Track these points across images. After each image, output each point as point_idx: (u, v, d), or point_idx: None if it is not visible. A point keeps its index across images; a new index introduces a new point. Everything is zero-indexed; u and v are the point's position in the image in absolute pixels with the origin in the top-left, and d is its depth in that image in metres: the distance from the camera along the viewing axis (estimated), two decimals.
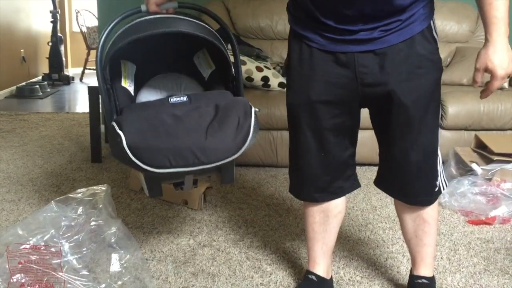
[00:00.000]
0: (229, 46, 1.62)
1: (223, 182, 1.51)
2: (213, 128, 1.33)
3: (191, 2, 1.54)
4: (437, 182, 1.49)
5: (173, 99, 1.44)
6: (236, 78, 1.55)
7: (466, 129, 2.99)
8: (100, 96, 1.49)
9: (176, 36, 1.53)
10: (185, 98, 1.45)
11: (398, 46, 1.34)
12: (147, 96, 1.64)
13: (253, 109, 1.40)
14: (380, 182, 1.58)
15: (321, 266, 1.66)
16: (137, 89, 1.62)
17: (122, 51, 1.42)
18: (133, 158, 1.29)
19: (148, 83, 1.65)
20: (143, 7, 1.48)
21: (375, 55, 1.34)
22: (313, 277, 1.65)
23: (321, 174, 1.51)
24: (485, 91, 1.34)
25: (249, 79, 3.00)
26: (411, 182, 1.47)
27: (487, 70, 1.29)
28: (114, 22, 1.44)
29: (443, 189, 1.52)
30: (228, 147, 1.33)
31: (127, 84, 1.56)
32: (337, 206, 1.60)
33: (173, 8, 1.50)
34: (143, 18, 1.44)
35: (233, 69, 1.53)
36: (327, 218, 1.61)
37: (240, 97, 1.48)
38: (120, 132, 1.30)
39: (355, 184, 1.61)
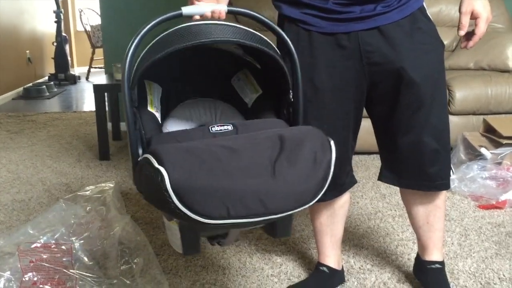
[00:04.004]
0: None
1: (276, 235, 1.19)
2: (282, 165, 0.99)
3: (241, 10, 1.19)
4: (451, 164, 1.47)
5: (215, 128, 1.13)
6: (293, 104, 1.21)
7: (474, 114, 2.97)
8: (126, 122, 1.12)
9: (211, 51, 1.27)
10: (229, 127, 1.14)
11: (401, 23, 1.33)
12: (175, 125, 1.31)
13: (331, 141, 1.10)
14: (387, 176, 1.51)
15: (331, 258, 1.65)
16: (162, 117, 1.31)
17: (147, 70, 1.12)
18: (179, 205, 0.94)
19: (175, 110, 1.34)
20: (184, 10, 1.14)
21: (380, 33, 1.33)
22: (325, 268, 1.65)
23: None
24: (474, 37, 1.36)
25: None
26: (426, 166, 1.42)
27: (472, 13, 1.34)
28: (146, 28, 1.11)
29: (452, 174, 1.50)
30: (304, 190, 1.01)
31: (154, 110, 1.24)
32: (341, 197, 1.58)
33: (225, 12, 1.17)
34: (182, 26, 1.12)
35: (291, 93, 1.21)
36: (333, 210, 1.59)
37: (308, 126, 1.16)
38: (161, 168, 0.94)
39: (353, 180, 1.57)
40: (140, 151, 1.12)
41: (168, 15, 1.12)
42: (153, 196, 0.99)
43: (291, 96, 1.21)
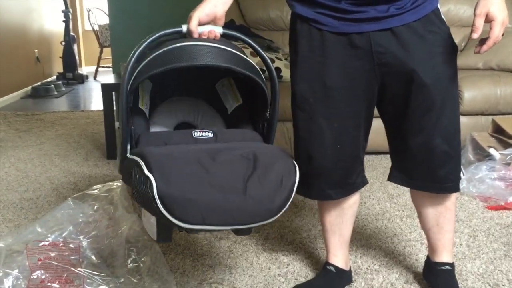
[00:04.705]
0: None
1: (238, 234, 1.33)
2: (253, 183, 1.16)
3: (235, 34, 1.35)
4: (461, 166, 1.46)
5: (197, 134, 1.29)
6: (269, 121, 1.37)
7: (482, 114, 2.95)
8: (119, 118, 1.26)
9: None
10: (210, 134, 1.30)
11: (414, 25, 1.32)
12: (161, 120, 1.47)
13: (297, 167, 1.26)
14: (397, 176, 1.50)
15: (339, 257, 1.65)
16: (150, 111, 1.46)
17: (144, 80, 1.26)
18: (162, 210, 1.09)
19: (162, 105, 1.48)
20: (185, 28, 1.29)
21: (393, 34, 1.32)
22: (332, 268, 1.64)
23: (334, 168, 1.45)
24: (487, 41, 1.28)
25: (261, 70, 2.99)
26: (435, 168, 1.42)
27: (487, 15, 1.27)
28: (148, 40, 1.24)
29: (462, 175, 1.49)
30: (268, 209, 1.17)
31: (144, 106, 1.38)
32: (352, 197, 1.57)
33: (220, 34, 1.31)
34: (180, 44, 1.25)
35: (268, 111, 1.37)
36: (342, 210, 1.59)
37: (279, 148, 1.32)
38: (150, 176, 1.09)
39: (365, 180, 1.55)
40: (128, 147, 1.27)
41: (169, 30, 1.27)
42: (140, 197, 1.14)
43: (268, 114, 1.37)
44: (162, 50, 1.24)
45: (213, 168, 1.15)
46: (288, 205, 1.22)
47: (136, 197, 1.17)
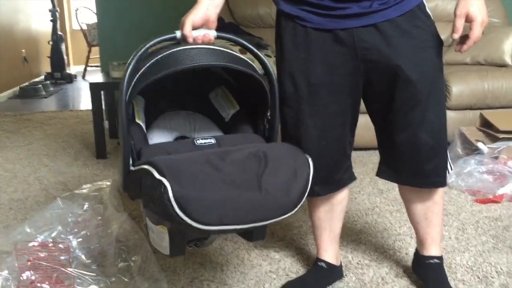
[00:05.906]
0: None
1: (252, 239, 1.31)
2: (266, 179, 1.13)
3: (229, 36, 1.33)
4: (448, 161, 1.47)
5: (199, 141, 1.27)
6: (270, 121, 1.35)
7: (470, 109, 2.97)
8: (120, 133, 1.22)
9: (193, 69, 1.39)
10: (212, 140, 1.28)
11: (398, 20, 1.32)
12: (158, 136, 1.43)
13: (310, 159, 1.24)
14: (385, 172, 1.51)
15: (329, 253, 1.65)
16: (146, 127, 1.41)
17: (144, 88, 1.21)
18: (179, 213, 1.04)
19: (156, 121, 1.45)
20: (178, 34, 1.27)
21: (377, 30, 1.32)
22: (323, 264, 1.65)
23: (321, 164, 1.42)
24: (468, 41, 1.31)
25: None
26: (422, 163, 1.42)
27: (467, 16, 1.29)
28: (144, 48, 1.21)
29: (450, 170, 1.50)
30: (285, 202, 1.15)
31: (141, 121, 1.34)
32: (341, 193, 1.58)
33: (214, 37, 1.29)
34: (176, 49, 1.23)
35: (269, 112, 1.35)
36: (332, 206, 1.59)
37: (287, 144, 1.33)
38: (163, 179, 1.05)
39: (352, 176, 1.56)
40: (130, 161, 1.22)
41: (164, 37, 1.25)
42: (154, 204, 1.09)
43: (269, 114, 1.34)
44: (157, 57, 1.22)
45: (225, 167, 1.12)
46: (305, 198, 1.19)
47: (148, 206, 1.12)
